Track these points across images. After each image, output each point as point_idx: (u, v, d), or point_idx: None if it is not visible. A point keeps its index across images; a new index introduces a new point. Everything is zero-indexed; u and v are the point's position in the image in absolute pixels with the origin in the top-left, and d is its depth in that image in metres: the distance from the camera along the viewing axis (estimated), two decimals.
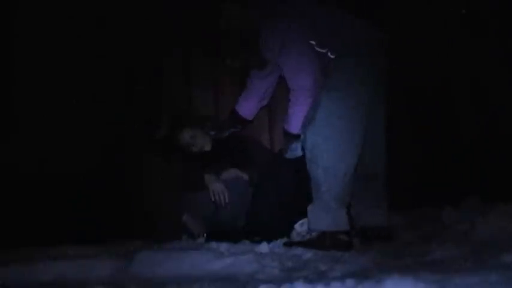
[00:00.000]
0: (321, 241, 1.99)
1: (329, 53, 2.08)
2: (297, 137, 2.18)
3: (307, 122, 2.06)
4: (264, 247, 1.98)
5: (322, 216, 2.01)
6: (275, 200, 2.33)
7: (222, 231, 2.35)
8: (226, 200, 2.40)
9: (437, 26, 3.05)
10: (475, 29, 3.04)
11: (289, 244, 2.07)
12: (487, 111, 3.06)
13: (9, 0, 2.70)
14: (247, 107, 2.52)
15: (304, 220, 2.12)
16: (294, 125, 2.18)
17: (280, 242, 2.12)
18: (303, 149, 2.15)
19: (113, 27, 2.82)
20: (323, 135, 2.00)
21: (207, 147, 2.58)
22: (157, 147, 2.60)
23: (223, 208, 2.41)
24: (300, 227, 2.17)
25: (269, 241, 2.09)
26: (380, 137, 2.23)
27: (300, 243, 2.04)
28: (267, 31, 2.13)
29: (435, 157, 2.99)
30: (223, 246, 2.01)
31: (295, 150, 2.22)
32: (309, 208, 2.04)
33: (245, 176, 2.49)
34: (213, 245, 2.06)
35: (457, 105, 3.08)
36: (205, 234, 2.40)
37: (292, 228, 2.20)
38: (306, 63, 2.09)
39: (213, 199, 2.41)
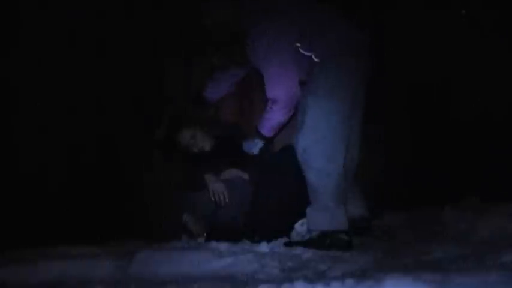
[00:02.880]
0: (320, 241, 2.00)
1: (313, 56, 2.08)
2: (265, 138, 2.26)
3: (298, 126, 2.07)
4: (264, 247, 1.98)
5: (321, 216, 2.02)
6: (275, 200, 2.33)
7: (222, 230, 2.35)
8: (226, 200, 2.40)
9: (434, 24, 3.04)
10: (473, 27, 3.03)
11: (289, 244, 2.07)
12: (487, 111, 3.05)
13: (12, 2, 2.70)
14: (215, 95, 2.57)
15: (304, 220, 2.12)
16: (266, 128, 2.23)
17: (280, 242, 2.12)
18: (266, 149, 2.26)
19: (114, 26, 2.82)
20: (313, 138, 2.02)
21: (207, 148, 2.58)
22: (158, 147, 2.60)
23: (223, 208, 2.41)
24: (300, 227, 2.17)
25: (269, 241, 2.09)
26: (358, 134, 2.26)
27: (300, 243, 2.04)
28: (254, 33, 2.11)
29: (435, 157, 2.99)
30: (223, 246, 2.01)
31: (253, 147, 2.30)
32: (308, 209, 2.06)
33: (245, 176, 2.49)
34: (213, 245, 2.06)
35: (457, 105, 3.08)
36: (205, 234, 2.40)
37: (292, 228, 2.20)
38: (284, 77, 2.09)
39: (213, 199, 2.41)
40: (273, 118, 2.18)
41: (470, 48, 3.04)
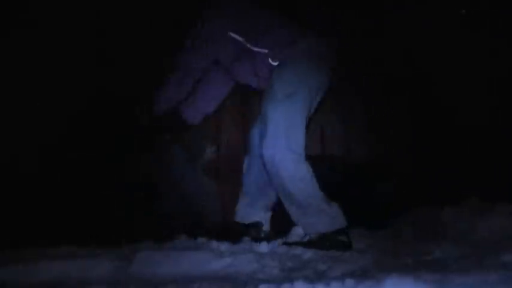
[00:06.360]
0: (320, 242, 1.99)
1: (270, 60, 2.09)
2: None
3: (261, 140, 2.06)
4: (264, 247, 1.98)
5: (317, 219, 2.00)
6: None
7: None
8: None
9: (434, 22, 3.04)
10: (473, 26, 3.03)
11: (289, 244, 2.06)
12: (488, 111, 3.05)
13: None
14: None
15: None
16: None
17: (280, 242, 2.12)
18: None
19: (114, 25, 2.82)
20: (276, 145, 1.99)
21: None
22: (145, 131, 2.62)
23: None
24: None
25: (269, 241, 2.09)
26: None
27: (299, 244, 2.03)
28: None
29: (435, 157, 2.99)
30: (223, 246, 2.01)
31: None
32: (302, 217, 2.03)
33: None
34: (213, 245, 2.06)
35: (457, 106, 3.08)
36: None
37: (292, 227, 2.19)
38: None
39: None
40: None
41: (472, 49, 3.04)
